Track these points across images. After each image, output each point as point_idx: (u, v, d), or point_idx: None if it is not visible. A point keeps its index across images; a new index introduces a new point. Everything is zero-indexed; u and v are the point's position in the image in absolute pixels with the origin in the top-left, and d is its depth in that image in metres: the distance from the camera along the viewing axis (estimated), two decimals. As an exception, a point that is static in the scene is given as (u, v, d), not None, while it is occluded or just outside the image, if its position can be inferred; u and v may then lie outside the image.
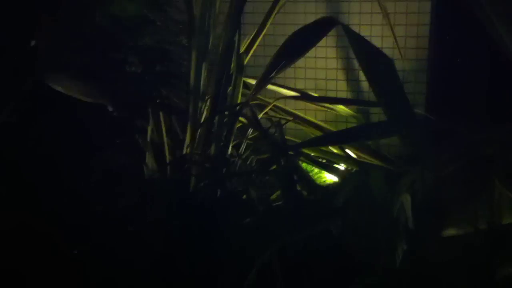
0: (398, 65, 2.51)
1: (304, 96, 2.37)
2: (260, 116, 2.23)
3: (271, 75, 1.92)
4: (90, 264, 1.60)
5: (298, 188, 1.92)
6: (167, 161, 2.14)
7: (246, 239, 1.58)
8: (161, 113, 2.14)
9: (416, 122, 1.68)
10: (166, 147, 2.15)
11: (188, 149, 2.10)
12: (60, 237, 1.58)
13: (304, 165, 2.36)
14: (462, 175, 1.49)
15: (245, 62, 2.21)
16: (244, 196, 1.85)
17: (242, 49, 2.24)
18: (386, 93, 1.69)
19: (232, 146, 2.17)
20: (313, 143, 2.06)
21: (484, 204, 1.43)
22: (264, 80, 1.95)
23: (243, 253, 1.58)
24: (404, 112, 1.67)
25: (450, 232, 1.41)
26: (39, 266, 1.54)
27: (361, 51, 1.81)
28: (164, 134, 2.15)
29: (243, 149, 2.19)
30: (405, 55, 2.55)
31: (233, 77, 2.10)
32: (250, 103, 2.18)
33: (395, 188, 1.47)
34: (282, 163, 1.91)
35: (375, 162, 2.16)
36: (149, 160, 2.15)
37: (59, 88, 1.54)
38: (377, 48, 1.82)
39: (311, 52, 2.65)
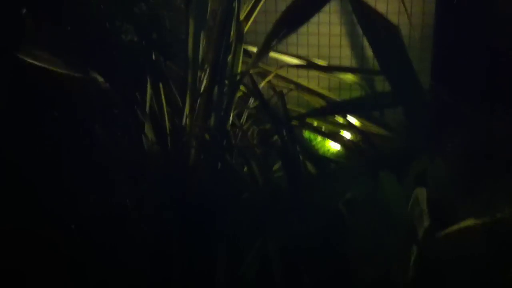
0: (404, 30, 2.37)
1: (306, 65, 2.23)
2: (261, 85, 2.10)
3: (272, 44, 1.78)
4: (89, 259, 1.50)
5: (301, 158, 1.81)
6: (167, 132, 2.03)
7: (242, 220, 1.48)
8: (160, 83, 2.02)
9: (421, 95, 1.53)
10: (166, 118, 2.03)
11: (188, 120, 1.98)
12: (55, 233, 1.47)
13: (307, 133, 2.24)
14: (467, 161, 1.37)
15: (246, 29, 2.07)
16: (245, 169, 1.74)
17: (242, 16, 2.10)
18: (391, 63, 1.54)
19: (234, 115, 2.05)
20: (314, 114, 1.93)
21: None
22: (265, 48, 1.81)
23: (239, 234, 1.48)
24: (409, 84, 1.52)
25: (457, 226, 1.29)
26: (35, 264, 1.45)
27: (365, 17, 1.65)
28: (164, 104, 2.03)
29: (245, 119, 2.07)
30: (411, 21, 2.39)
31: (233, 45, 1.96)
32: (252, 71, 2.06)
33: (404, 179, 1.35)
34: (284, 134, 1.80)
35: (380, 131, 2.04)
36: (148, 131, 2.03)
37: (39, 63, 1.41)
38: (382, 15, 1.66)
39: (314, 18, 2.49)
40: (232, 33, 1.97)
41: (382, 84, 2.43)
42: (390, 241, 1.27)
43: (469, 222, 1.27)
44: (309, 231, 1.45)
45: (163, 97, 2.02)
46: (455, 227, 1.27)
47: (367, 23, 1.65)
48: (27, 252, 1.46)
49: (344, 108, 1.81)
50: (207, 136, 1.81)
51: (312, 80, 2.59)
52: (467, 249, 1.27)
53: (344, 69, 2.37)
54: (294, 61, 2.29)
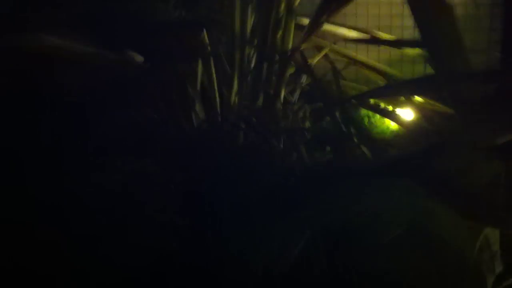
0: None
1: (363, 39, 1.96)
2: (315, 61, 1.87)
3: (322, 19, 1.54)
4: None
5: (355, 141, 1.59)
6: (217, 111, 1.85)
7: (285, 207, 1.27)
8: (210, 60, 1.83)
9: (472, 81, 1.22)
10: (217, 96, 1.85)
11: (236, 99, 1.79)
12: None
13: (364, 110, 2.00)
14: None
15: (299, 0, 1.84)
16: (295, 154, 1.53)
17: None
18: (440, 44, 1.22)
19: (287, 92, 1.84)
20: (371, 95, 1.67)
21: None
22: (315, 23, 1.57)
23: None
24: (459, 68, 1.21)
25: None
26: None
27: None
28: (215, 82, 1.84)
29: (297, 98, 1.85)
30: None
31: (283, 20, 1.73)
32: (308, 46, 1.83)
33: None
34: (336, 115, 1.57)
35: (440, 107, 1.75)
36: (198, 108, 1.87)
37: (56, 44, 1.23)
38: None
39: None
40: (282, 6, 1.74)
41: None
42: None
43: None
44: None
45: (214, 74, 1.84)
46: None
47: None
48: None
49: (405, 88, 1.52)
50: (253, 119, 1.61)
51: (372, 52, 2.32)
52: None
53: (405, 43, 2.07)
54: (352, 34, 2.02)
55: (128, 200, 1.53)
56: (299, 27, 1.91)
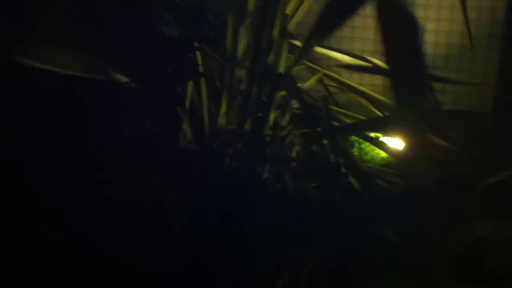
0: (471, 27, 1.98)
1: (356, 66, 1.89)
2: (306, 85, 1.80)
3: (312, 45, 1.47)
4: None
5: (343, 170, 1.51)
6: (204, 132, 1.78)
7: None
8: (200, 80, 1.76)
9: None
10: (206, 116, 1.77)
11: (224, 121, 1.72)
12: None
13: (354, 138, 1.92)
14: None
15: (296, 20, 1.76)
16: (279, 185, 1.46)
17: (290, 6, 1.79)
18: (401, 61, 1.11)
19: (276, 116, 1.77)
20: (361, 127, 1.59)
21: None
22: (305, 49, 1.50)
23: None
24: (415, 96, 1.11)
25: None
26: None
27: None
28: (205, 102, 1.77)
29: (286, 122, 1.78)
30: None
31: (276, 41, 1.66)
32: (300, 68, 1.77)
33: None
34: (326, 143, 1.50)
35: (439, 142, 1.68)
36: (187, 128, 1.79)
37: (44, 65, 1.15)
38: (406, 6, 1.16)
39: (371, 11, 2.14)
40: (275, 27, 1.67)
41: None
42: None
43: None
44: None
45: (204, 94, 1.77)
46: None
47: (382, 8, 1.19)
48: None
49: (394, 122, 1.44)
50: (239, 144, 1.54)
51: (366, 77, 2.26)
52: None
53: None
54: (346, 58, 1.95)
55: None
56: (292, 49, 1.84)
